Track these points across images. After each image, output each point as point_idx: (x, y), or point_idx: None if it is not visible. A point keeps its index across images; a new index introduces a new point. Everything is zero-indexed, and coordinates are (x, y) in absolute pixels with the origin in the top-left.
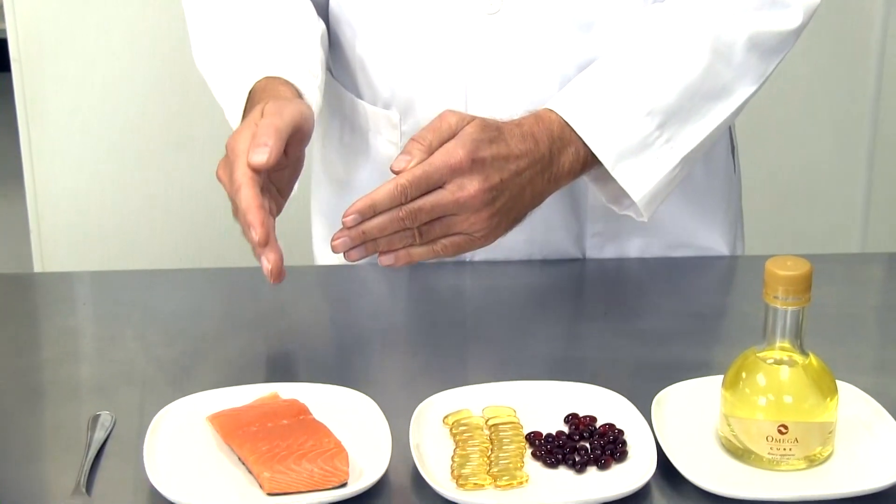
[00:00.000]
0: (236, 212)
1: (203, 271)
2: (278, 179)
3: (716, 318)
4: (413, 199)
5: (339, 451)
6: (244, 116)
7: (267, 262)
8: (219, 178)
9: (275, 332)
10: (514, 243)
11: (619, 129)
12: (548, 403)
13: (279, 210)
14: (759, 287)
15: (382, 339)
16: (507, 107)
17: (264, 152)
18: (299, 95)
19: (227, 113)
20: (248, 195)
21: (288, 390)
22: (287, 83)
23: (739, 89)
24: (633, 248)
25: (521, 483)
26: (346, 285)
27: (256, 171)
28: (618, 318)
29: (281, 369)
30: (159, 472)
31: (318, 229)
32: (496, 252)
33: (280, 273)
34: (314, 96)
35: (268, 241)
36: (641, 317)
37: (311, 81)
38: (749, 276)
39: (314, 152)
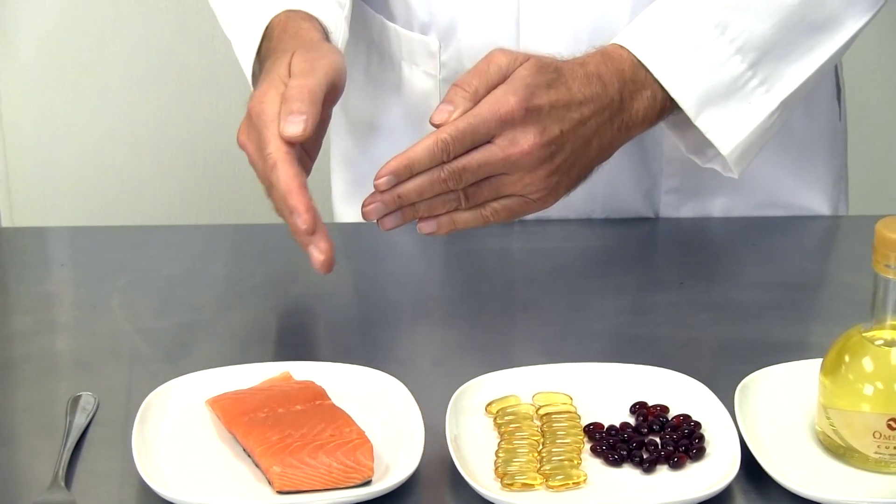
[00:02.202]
0: (270, 190)
1: (202, 228)
2: (305, 141)
3: (814, 290)
4: (457, 157)
5: (362, 442)
6: (259, 58)
7: (318, 253)
8: (241, 146)
9: (287, 301)
10: (572, 199)
11: (703, 70)
12: (610, 390)
13: (308, 172)
14: (867, 254)
15: (414, 310)
16: (566, 32)
17: (300, 122)
18: (325, 34)
19: (238, 50)
20: (287, 175)
21: (302, 370)
22: (310, 18)
23: (848, 20)
24: (717, 206)
25: (578, 484)
26: (372, 247)
27: (291, 143)
28: (696, 288)
29: (294, 345)
30: (150, 464)
31: (338, 181)
32: (550, 209)
33: (332, 263)
34: (341, 32)
35: (316, 227)
36: (724, 287)
37: (336, 13)
38: (855, 240)
39: None
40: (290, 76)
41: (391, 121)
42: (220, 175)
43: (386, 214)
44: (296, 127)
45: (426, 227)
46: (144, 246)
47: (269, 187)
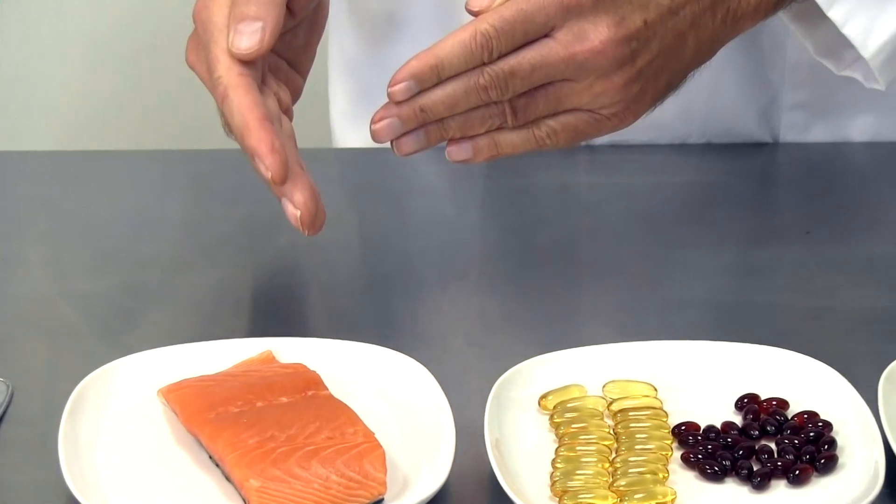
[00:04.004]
0: (229, 124)
1: (154, 155)
2: (287, 47)
3: None
4: (502, 56)
5: (371, 448)
6: None
7: (292, 206)
8: (190, 66)
9: (269, 255)
10: (661, 118)
11: None
12: (709, 378)
13: (297, 93)
14: None
15: (442, 270)
16: None
17: (254, 32)
18: None
19: None
20: (242, 106)
21: (290, 349)
22: None
23: None
24: (857, 128)
25: None
26: (385, 182)
27: (246, 62)
28: (826, 239)
29: (278, 316)
30: (83, 474)
31: (339, 95)
32: (629, 130)
33: (315, 220)
34: None
35: (286, 174)
36: (866, 239)
37: None
38: None
39: None
40: None
41: (412, 14)
42: (177, 83)
43: (403, 134)
44: (249, 39)
45: (458, 152)
46: (75, 179)
47: (226, 121)
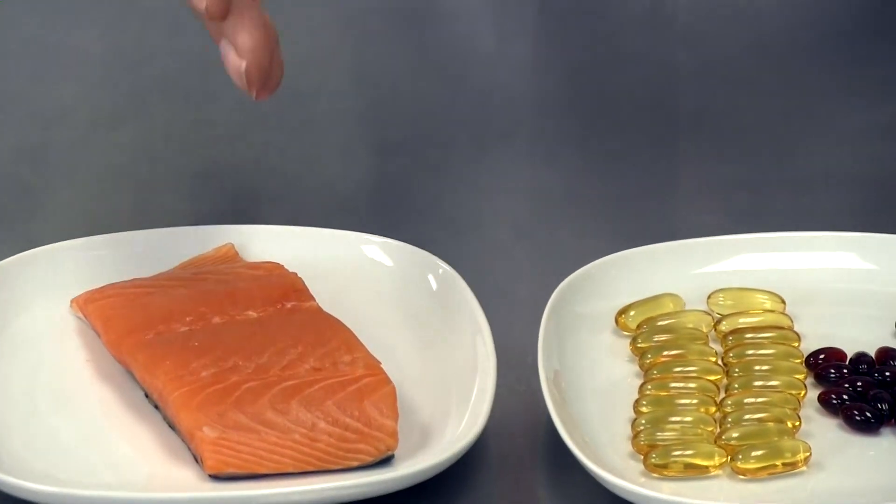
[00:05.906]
0: None
1: None
2: None
3: None
4: None
5: (376, 383)
6: None
7: (234, 54)
8: None
9: (231, 106)
10: None
11: None
12: (858, 287)
13: None
14: None
15: (478, 128)
16: None
17: None
18: None
19: None
20: None
21: (260, 241)
22: None
23: None
24: None
25: (796, 465)
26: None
27: None
28: None
29: (243, 194)
30: None
31: None
32: None
33: (269, 75)
34: None
35: (227, 2)
36: None
37: None
38: None
39: None
40: None
41: None
42: None
43: None
44: None
45: None
46: None
47: None
